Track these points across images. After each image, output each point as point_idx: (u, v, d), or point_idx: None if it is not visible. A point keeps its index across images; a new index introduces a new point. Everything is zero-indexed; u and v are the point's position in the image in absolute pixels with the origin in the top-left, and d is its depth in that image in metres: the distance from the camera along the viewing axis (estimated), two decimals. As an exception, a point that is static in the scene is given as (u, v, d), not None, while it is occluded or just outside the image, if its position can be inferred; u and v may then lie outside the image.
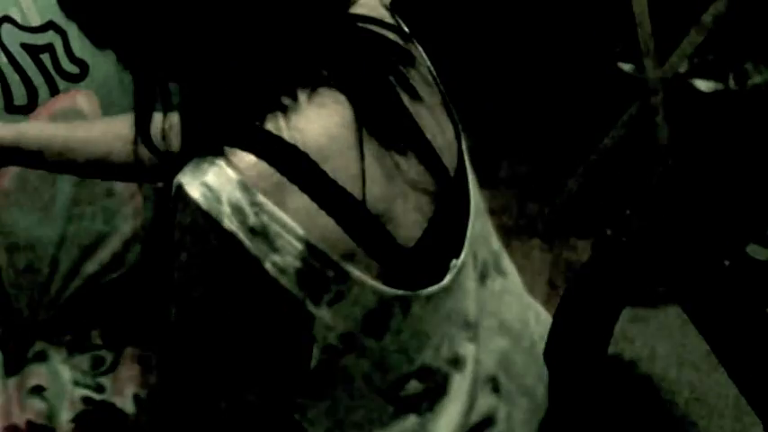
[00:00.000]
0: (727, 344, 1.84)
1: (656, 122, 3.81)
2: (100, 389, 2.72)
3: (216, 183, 1.49)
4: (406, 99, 1.67)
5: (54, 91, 2.78)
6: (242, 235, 1.50)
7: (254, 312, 1.61)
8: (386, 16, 1.77)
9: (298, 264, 1.53)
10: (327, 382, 1.71)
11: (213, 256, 1.54)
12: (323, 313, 1.59)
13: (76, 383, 2.74)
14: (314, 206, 1.52)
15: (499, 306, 1.84)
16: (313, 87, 1.57)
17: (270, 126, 1.54)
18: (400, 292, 1.62)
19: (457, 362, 1.76)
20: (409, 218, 1.65)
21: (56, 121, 2.77)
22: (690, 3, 3.68)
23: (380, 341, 1.65)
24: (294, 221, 1.51)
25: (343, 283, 1.58)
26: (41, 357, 2.79)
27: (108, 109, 2.80)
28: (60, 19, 2.75)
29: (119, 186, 2.83)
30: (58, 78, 2.78)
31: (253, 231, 1.50)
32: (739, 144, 3.51)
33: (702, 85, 3.90)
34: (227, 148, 1.52)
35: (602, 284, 1.95)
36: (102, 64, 2.79)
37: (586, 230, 3.97)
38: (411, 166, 1.65)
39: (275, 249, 1.51)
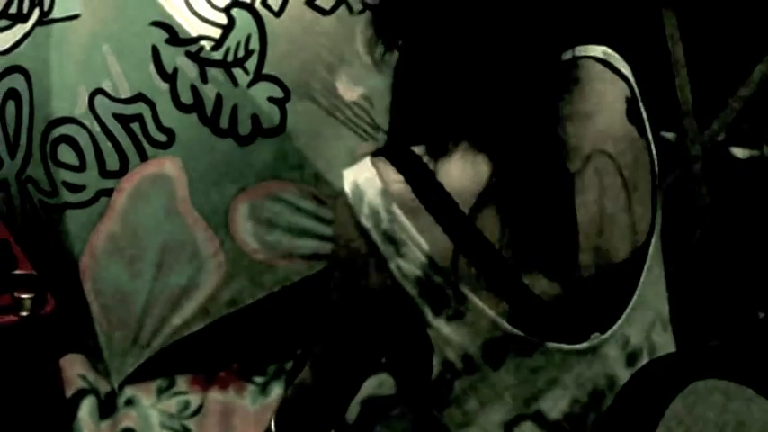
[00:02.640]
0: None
1: (695, 187, 3.83)
2: (186, 431, 2.81)
3: (363, 184, 1.61)
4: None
5: (143, 157, 2.88)
6: (374, 234, 1.60)
7: (374, 301, 1.68)
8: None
9: (419, 273, 1.60)
10: (446, 399, 1.72)
11: (350, 242, 1.64)
12: (441, 325, 1.63)
13: (164, 426, 2.81)
14: (441, 233, 1.59)
15: None
16: (467, 144, 1.63)
17: (425, 159, 1.63)
18: (522, 334, 1.65)
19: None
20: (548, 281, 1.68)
21: (144, 184, 2.88)
22: (728, 76, 3.75)
23: (497, 371, 1.67)
24: (421, 237, 1.60)
25: (462, 304, 1.62)
26: (132, 402, 2.85)
27: (194, 174, 2.89)
28: (149, 91, 2.88)
29: (202, 244, 2.90)
30: (147, 145, 2.88)
31: (384, 234, 1.60)
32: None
33: (739, 152, 3.96)
34: (384, 161, 1.63)
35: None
36: (189, 132, 2.89)
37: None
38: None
39: (401, 255, 1.60)
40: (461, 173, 1.60)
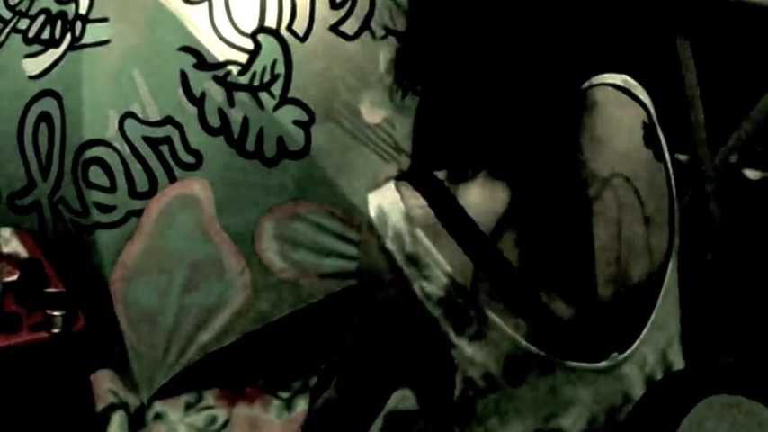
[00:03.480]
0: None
1: (709, 207, 3.83)
2: (213, 445, 2.84)
3: (387, 208, 1.63)
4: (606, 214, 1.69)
5: (172, 179, 2.91)
6: (398, 257, 1.61)
7: (398, 323, 1.69)
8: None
9: (442, 294, 1.61)
10: (468, 416, 1.73)
11: (375, 264, 1.65)
12: (464, 345, 1.64)
13: (192, 440, 2.87)
14: (464, 256, 1.61)
15: None
16: (486, 172, 1.64)
17: (447, 184, 1.64)
18: (542, 352, 1.66)
19: None
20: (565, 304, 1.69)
21: (172, 205, 2.92)
22: (740, 99, 3.77)
23: (517, 388, 1.68)
24: (443, 258, 1.61)
25: (484, 324, 1.63)
26: (160, 416, 2.89)
27: (221, 194, 2.92)
28: (178, 114, 2.91)
29: (229, 264, 2.93)
30: (175, 167, 2.91)
31: (408, 257, 1.61)
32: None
33: (751, 173, 3.97)
34: (407, 185, 1.65)
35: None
36: (216, 154, 2.92)
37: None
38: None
39: (424, 277, 1.61)
40: (482, 198, 1.62)
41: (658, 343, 1.74)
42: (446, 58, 1.65)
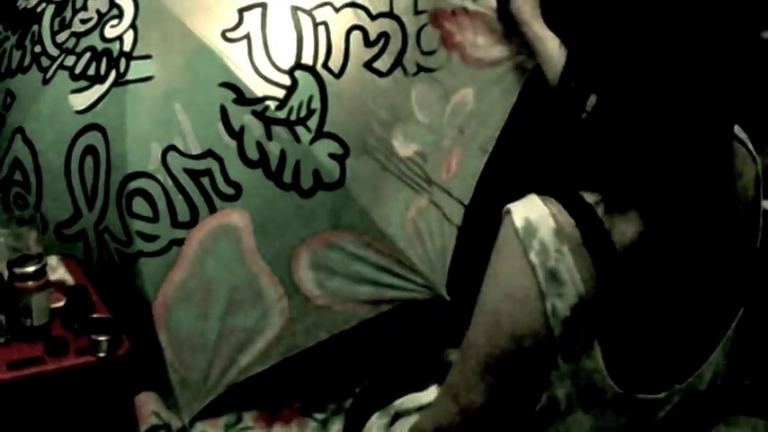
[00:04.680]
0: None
1: None
2: (252, 465, 2.87)
3: (536, 221, 1.62)
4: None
5: (212, 209, 2.94)
6: (540, 270, 1.61)
7: (516, 335, 1.68)
8: None
9: (569, 313, 1.62)
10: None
11: (510, 276, 1.66)
12: (563, 366, 1.66)
13: (231, 459, 2.89)
14: (598, 284, 1.62)
15: None
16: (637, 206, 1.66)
17: (597, 209, 1.64)
18: (620, 391, 1.69)
19: None
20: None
21: (213, 234, 2.95)
22: (759, 129, 3.77)
23: (587, 414, 1.71)
24: (581, 279, 1.62)
25: (586, 350, 1.66)
26: (202, 437, 2.93)
27: (259, 224, 2.95)
28: (218, 147, 2.94)
29: (267, 291, 2.96)
30: (215, 198, 2.94)
31: (550, 272, 1.61)
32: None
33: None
34: (555, 202, 1.65)
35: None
36: (254, 186, 2.94)
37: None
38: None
39: (559, 294, 1.62)
40: (633, 230, 1.63)
41: (709, 375, 1.79)
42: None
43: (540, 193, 1.66)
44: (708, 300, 1.75)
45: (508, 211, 1.64)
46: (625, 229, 1.63)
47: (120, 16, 3.13)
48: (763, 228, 1.81)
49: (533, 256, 1.60)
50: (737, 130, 1.78)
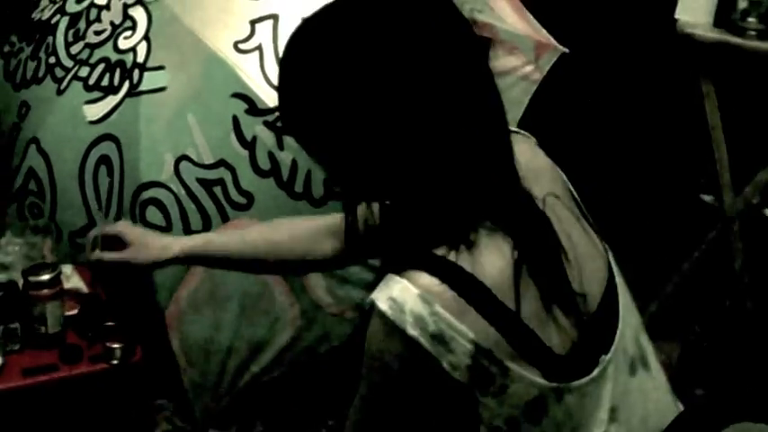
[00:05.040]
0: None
1: (732, 245, 3.88)
2: (261, 472, 2.90)
3: (400, 297, 1.59)
4: (561, 230, 1.74)
5: (225, 218, 2.97)
6: (423, 340, 1.58)
7: (427, 400, 1.67)
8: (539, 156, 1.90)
9: (468, 361, 1.60)
10: None
11: (395, 359, 1.62)
12: (489, 401, 1.65)
13: (241, 467, 2.93)
14: (483, 321, 1.60)
15: (644, 400, 1.86)
16: (483, 230, 1.66)
17: (450, 257, 1.63)
18: (554, 384, 1.68)
19: None
20: (561, 335, 1.70)
21: None
22: (763, 142, 3.81)
23: (539, 425, 1.71)
24: (465, 327, 1.59)
25: (506, 377, 1.64)
26: (213, 444, 2.95)
27: None
28: (230, 157, 2.97)
29: (280, 299, 2.99)
30: (228, 207, 2.97)
31: (433, 336, 1.58)
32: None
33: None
34: (411, 271, 1.62)
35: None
36: (266, 195, 2.97)
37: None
38: (559, 309, 1.71)
39: (450, 350, 1.59)
40: (489, 260, 1.63)
41: (630, 334, 1.81)
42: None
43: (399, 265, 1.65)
44: (578, 267, 1.75)
45: (371, 302, 1.61)
46: (484, 260, 1.63)
47: (134, 28, 3.15)
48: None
49: (411, 330, 1.58)
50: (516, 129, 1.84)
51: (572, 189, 1.86)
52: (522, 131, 1.87)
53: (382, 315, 1.58)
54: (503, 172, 1.68)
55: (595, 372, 1.72)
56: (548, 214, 1.71)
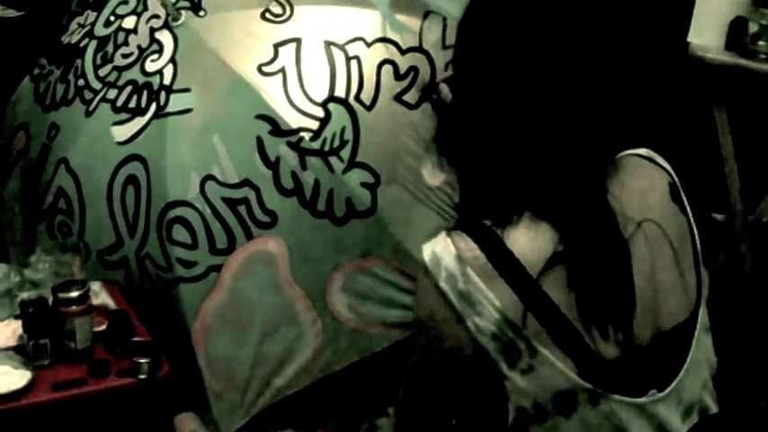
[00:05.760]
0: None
1: (742, 262, 3.89)
2: (286, 484, 2.91)
3: (440, 252, 1.68)
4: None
5: (249, 236, 3.00)
6: (451, 294, 1.66)
7: (453, 360, 1.72)
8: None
9: (493, 328, 1.66)
10: None
11: (429, 303, 1.70)
12: (516, 377, 1.68)
13: (265, 479, 2.93)
14: (511, 293, 1.66)
15: None
16: (527, 214, 1.71)
17: (494, 229, 1.70)
18: (589, 385, 1.69)
19: None
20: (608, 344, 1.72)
21: (249, 261, 3.00)
22: None
23: (568, 420, 1.71)
24: (493, 295, 1.66)
25: (534, 357, 1.67)
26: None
27: (295, 251, 3.01)
28: (254, 177, 3.00)
29: (302, 314, 3.02)
30: (252, 226, 3.00)
31: (461, 294, 1.66)
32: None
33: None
34: (457, 232, 1.70)
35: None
36: (290, 214, 3.00)
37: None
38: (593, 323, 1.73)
39: (477, 313, 1.66)
40: (527, 239, 1.68)
41: (695, 383, 1.79)
42: (486, 120, 1.74)
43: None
44: (652, 299, 1.75)
45: (421, 250, 1.73)
46: (527, 241, 1.68)
47: (161, 51, 3.20)
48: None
49: (442, 283, 1.67)
50: (646, 150, 1.85)
51: (695, 234, 1.84)
52: (649, 154, 1.86)
53: (423, 264, 1.69)
54: (579, 170, 1.72)
55: (641, 400, 1.73)
56: (635, 235, 1.73)
